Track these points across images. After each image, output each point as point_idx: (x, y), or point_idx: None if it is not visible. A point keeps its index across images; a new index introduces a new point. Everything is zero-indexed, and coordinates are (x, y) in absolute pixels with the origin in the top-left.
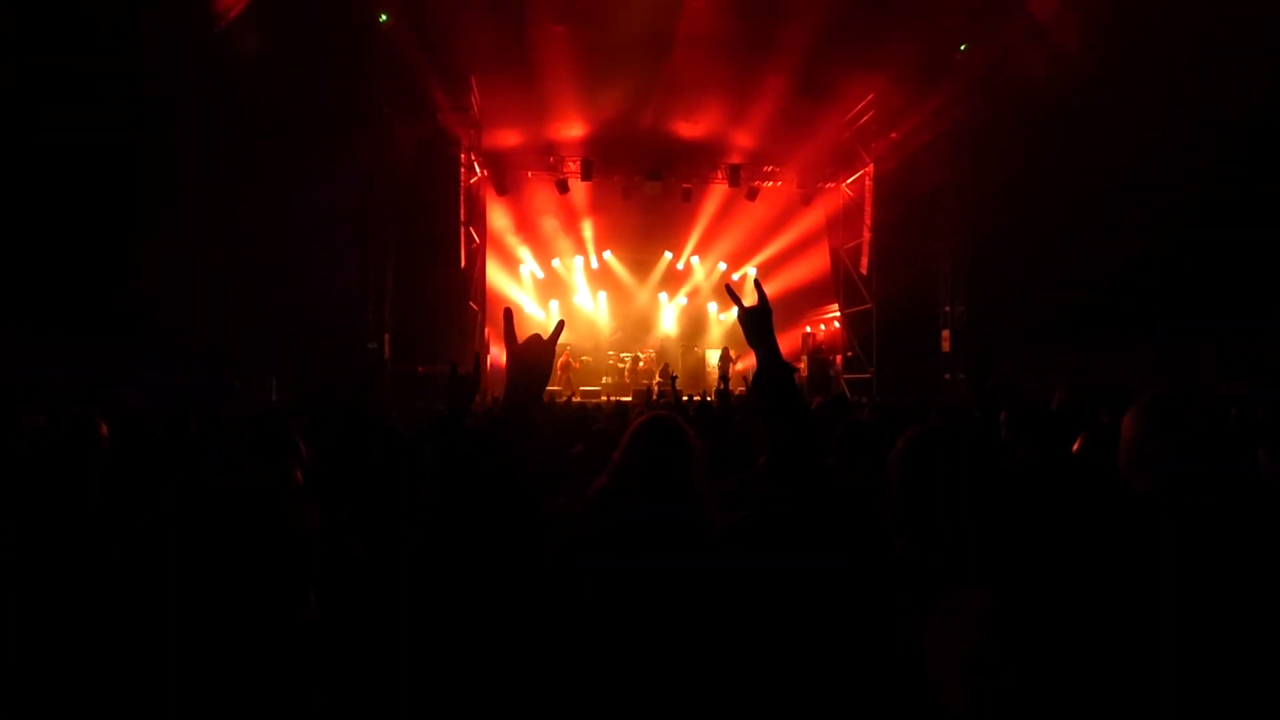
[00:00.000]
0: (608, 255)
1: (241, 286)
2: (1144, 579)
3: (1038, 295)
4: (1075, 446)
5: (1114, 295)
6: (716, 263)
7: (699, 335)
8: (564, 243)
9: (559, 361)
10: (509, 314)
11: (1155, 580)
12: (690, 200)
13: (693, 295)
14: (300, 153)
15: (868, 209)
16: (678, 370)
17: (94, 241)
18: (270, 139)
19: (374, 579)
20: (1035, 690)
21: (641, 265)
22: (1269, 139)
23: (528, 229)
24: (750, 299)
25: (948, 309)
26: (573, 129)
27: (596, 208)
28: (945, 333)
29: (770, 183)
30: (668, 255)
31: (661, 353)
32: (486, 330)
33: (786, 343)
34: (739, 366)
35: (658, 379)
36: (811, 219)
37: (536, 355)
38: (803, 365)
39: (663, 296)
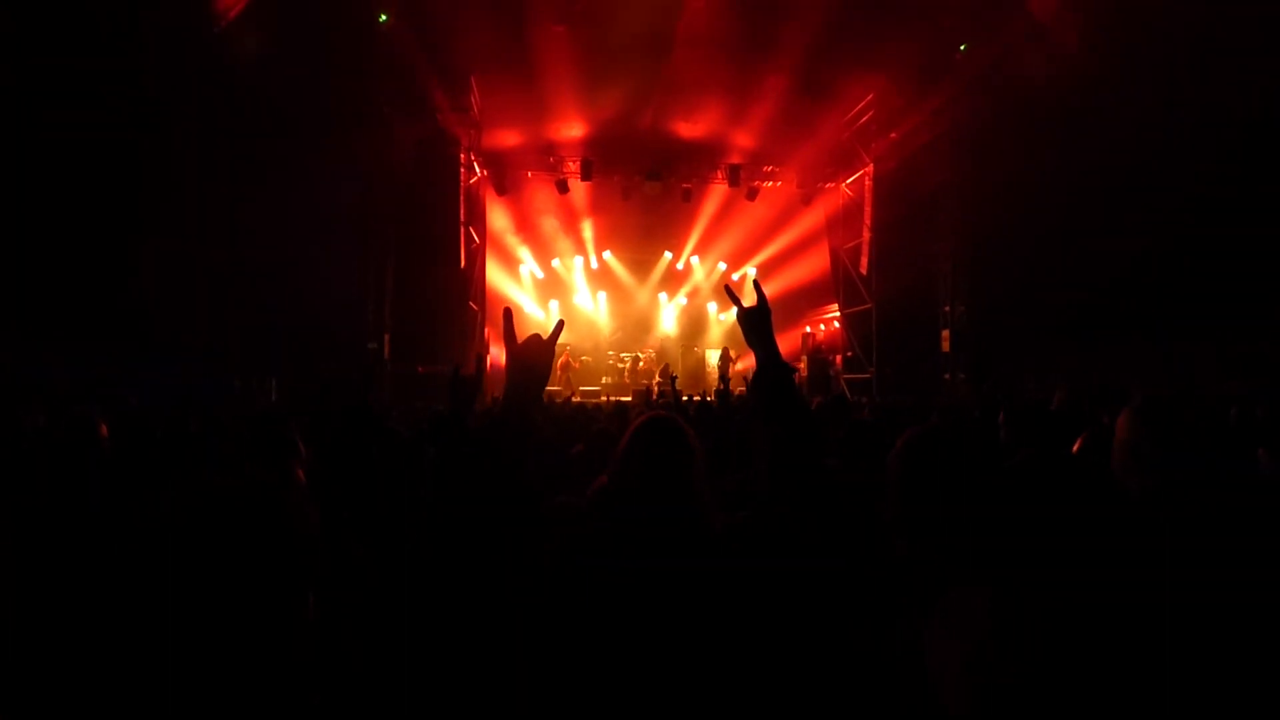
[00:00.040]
0: (608, 255)
1: (241, 286)
2: (1143, 579)
3: (1038, 295)
4: (1075, 446)
5: (1114, 295)
6: (716, 263)
7: (699, 335)
8: (564, 243)
9: (559, 361)
10: (508, 314)
11: (1154, 580)
12: (690, 200)
13: (693, 295)
14: (300, 153)
15: (867, 209)
16: (678, 370)
17: (94, 241)
18: (270, 139)
19: (374, 579)
20: (1035, 690)
21: (641, 265)
22: (1269, 139)
23: (528, 229)
24: (749, 299)
25: (948, 309)
26: (572, 129)
27: (596, 208)
28: (945, 333)
29: (770, 183)
30: (668, 255)
31: (661, 353)
32: (486, 330)
33: (786, 343)
34: (739, 366)
35: (657, 379)
36: (811, 219)
37: (536, 355)
38: (802, 365)
39: (662, 296)
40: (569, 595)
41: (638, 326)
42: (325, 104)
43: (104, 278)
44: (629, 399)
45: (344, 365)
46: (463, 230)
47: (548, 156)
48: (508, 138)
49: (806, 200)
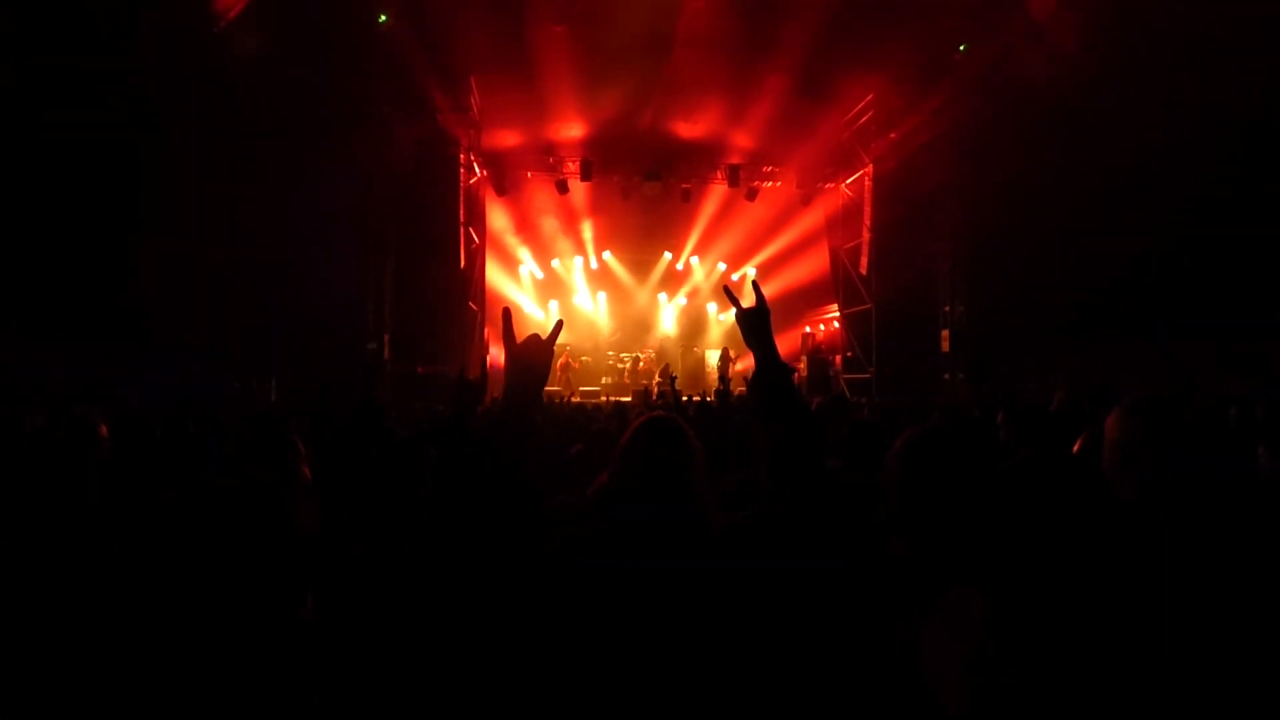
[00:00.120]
0: (607, 256)
1: (241, 286)
2: (1143, 579)
3: (1038, 295)
4: (1075, 447)
5: (1114, 295)
6: (716, 263)
7: (698, 335)
8: (563, 243)
9: (558, 362)
10: (507, 314)
11: (1154, 580)
12: (690, 200)
13: (692, 295)
14: (300, 153)
15: (867, 209)
16: (677, 370)
17: (94, 241)
18: (270, 139)
19: (374, 579)
20: (1035, 691)
21: (641, 265)
22: (1269, 139)
23: (527, 229)
24: (748, 300)
25: (947, 309)
26: (572, 129)
27: (596, 208)
28: (945, 333)
29: (770, 183)
30: (667, 255)
31: (661, 353)
32: (486, 330)
33: (786, 343)
34: (738, 367)
35: (657, 379)
36: (811, 219)
37: (535, 355)
38: (802, 365)
39: (662, 297)
40: (569, 595)
41: (637, 327)
42: (325, 104)
43: (104, 278)
44: (628, 399)
45: (344, 365)
46: (462, 230)
47: (547, 157)
48: (507, 138)
49: (806, 200)
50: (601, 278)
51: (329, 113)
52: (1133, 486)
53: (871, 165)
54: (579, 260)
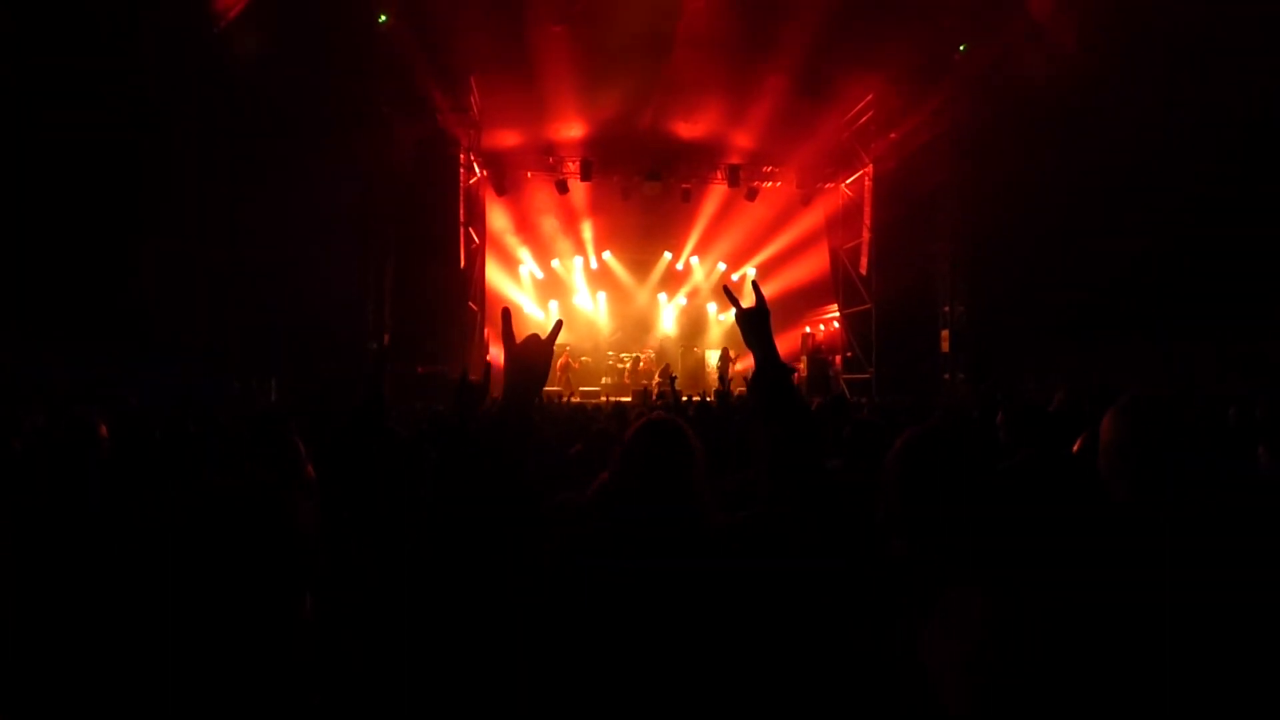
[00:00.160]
0: (607, 256)
1: (241, 286)
2: (1143, 579)
3: (1038, 295)
4: (1075, 447)
5: (1114, 295)
6: (716, 263)
7: (698, 336)
8: (563, 243)
9: (558, 362)
10: (507, 314)
11: (1154, 580)
12: (690, 200)
13: (692, 295)
14: (300, 153)
15: (867, 209)
16: (677, 371)
17: (94, 241)
18: (270, 139)
19: (374, 579)
20: (1035, 690)
21: (641, 265)
22: (1269, 139)
23: (527, 229)
24: (748, 300)
25: (947, 309)
26: (572, 129)
27: (596, 208)
28: (945, 333)
29: (769, 183)
30: (667, 255)
31: (661, 353)
32: (486, 330)
33: (786, 343)
34: (738, 367)
35: (657, 379)
36: (811, 219)
37: (534, 355)
38: (802, 365)
39: (662, 297)
40: (569, 595)
41: (637, 327)
42: (325, 104)
43: (104, 278)
44: (628, 399)
45: (344, 365)
46: (462, 230)
47: (547, 157)
48: (507, 138)
49: (806, 200)
50: (601, 278)
51: (329, 113)
52: (1126, 487)
53: (871, 165)
54: (579, 260)
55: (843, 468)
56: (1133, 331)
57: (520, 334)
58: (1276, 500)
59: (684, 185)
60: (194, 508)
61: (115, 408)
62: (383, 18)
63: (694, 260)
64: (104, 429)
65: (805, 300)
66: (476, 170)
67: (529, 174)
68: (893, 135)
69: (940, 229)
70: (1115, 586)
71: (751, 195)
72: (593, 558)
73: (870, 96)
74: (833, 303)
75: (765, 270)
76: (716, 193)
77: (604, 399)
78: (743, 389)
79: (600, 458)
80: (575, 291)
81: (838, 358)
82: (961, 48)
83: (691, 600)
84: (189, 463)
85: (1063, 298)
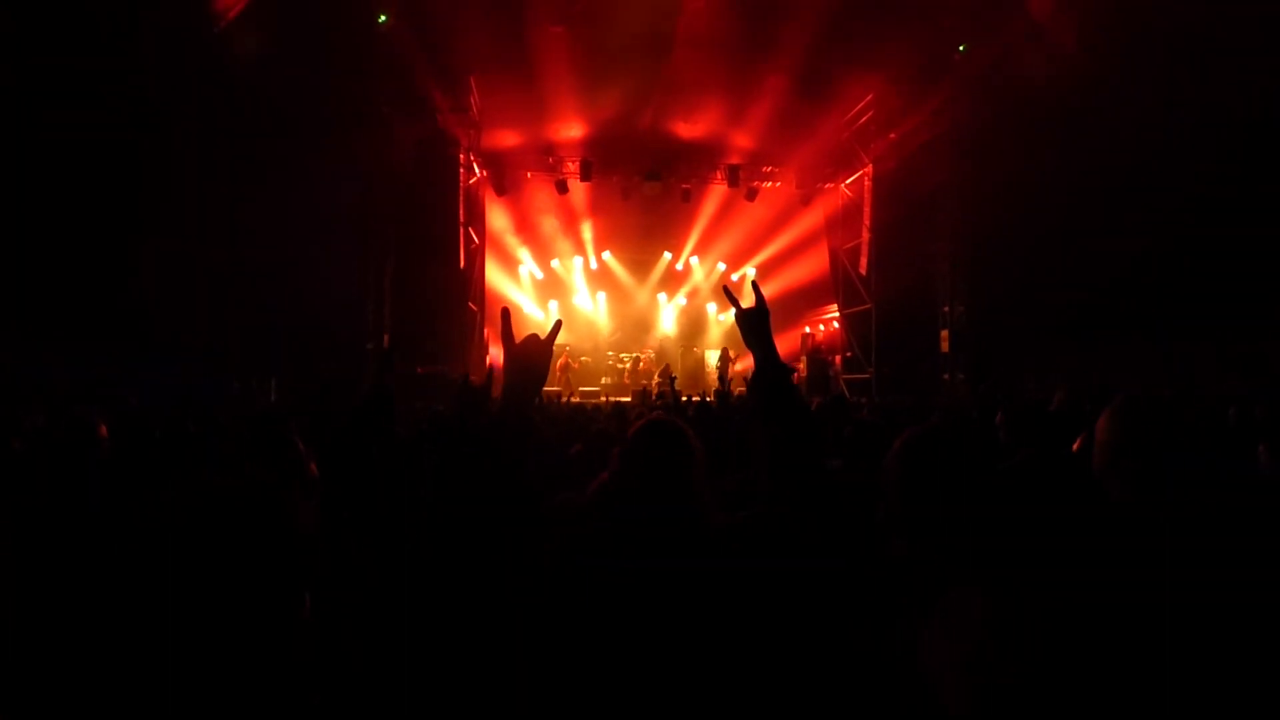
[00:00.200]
0: (607, 256)
1: (241, 286)
2: (1143, 579)
3: (1038, 295)
4: (1075, 447)
5: (1114, 295)
6: (716, 263)
7: (698, 336)
8: (563, 243)
9: (558, 362)
10: (506, 313)
11: (1154, 581)
12: (689, 201)
13: (692, 296)
14: (300, 153)
15: (867, 209)
16: (677, 371)
17: (94, 241)
18: (270, 139)
19: (374, 579)
20: (1035, 690)
21: (641, 266)
22: (1269, 139)
23: (527, 229)
24: (748, 300)
25: (947, 309)
26: (572, 129)
27: (596, 208)
28: (944, 333)
29: (769, 183)
30: (667, 256)
31: (661, 353)
32: (486, 330)
33: (786, 343)
34: (738, 367)
35: (657, 379)
36: (810, 219)
37: (534, 355)
38: (802, 365)
39: (662, 297)
40: (569, 595)
41: (637, 327)
42: (325, 104)
43: (104, 278)
44: (628, 399)
45: (344, 365)
46: (462, 230)
47: (547, 157)
48: (507, 138)
49: (806, 200)
50: (601, 278)
51: (329, 113)
52: (1121, 487)
53: (871, 165)
54: (579, 260)
55: (843, 468)
56: (1133, 331)
57: (520, 334)
58: (1276, 500)
59: (684, 185)
60: (194, 508)
61: (115, 408)
62: (383, 18)
63: (694, 260)
64: (104, 429)
65: (805, 300)
66: (476, 170)
67: (529, 174)
68: (893, 135)
69: (940, 229)
70: (1116, 586)
71: (751, 195)
72: (593, 558)
73: (870, 96)
74: (832, 303)
75: (765, 270)
76: (716, 193)
77: (604, 399)
78: (742, 389)
79: (600, 458)
80: (575, 291)
81: (837, 358)
82: (961, 48)
83: (691, 600)
84: (189, 463)
85: (1063, 298)
